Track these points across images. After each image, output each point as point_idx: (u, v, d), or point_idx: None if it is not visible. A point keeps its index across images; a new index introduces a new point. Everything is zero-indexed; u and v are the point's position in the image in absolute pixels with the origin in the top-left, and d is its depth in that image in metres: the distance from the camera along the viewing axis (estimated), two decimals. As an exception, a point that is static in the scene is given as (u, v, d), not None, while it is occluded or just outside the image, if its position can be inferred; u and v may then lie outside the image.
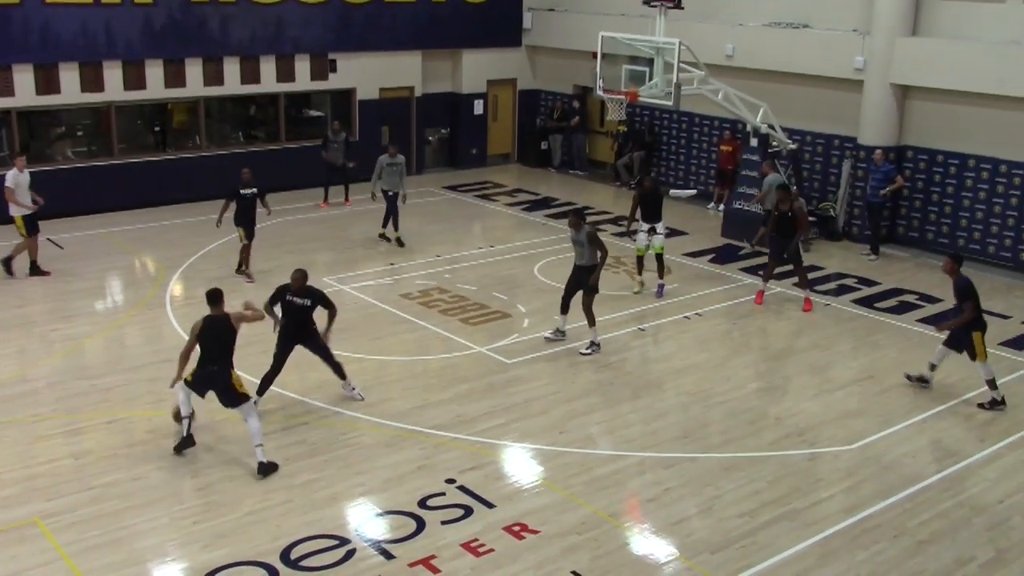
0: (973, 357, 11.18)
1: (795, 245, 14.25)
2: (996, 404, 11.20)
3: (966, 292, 11.00)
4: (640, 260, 14.90)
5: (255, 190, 14.99)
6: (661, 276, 14.75)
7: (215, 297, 9.69)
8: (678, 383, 11.93)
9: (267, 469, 9.46)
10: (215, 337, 9.50)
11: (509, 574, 8.00)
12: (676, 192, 16.47)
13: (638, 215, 14.70)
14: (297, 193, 20.22)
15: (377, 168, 16.90)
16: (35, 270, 15.16)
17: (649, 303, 14.59)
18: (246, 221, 14.98)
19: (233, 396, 9.54)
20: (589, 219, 13.11)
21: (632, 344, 13.09)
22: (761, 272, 15.11)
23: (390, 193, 16.92)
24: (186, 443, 9.68)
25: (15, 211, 14.87)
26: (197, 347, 9.54)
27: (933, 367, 11.57)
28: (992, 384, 11.18)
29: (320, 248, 16.94)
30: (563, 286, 12.75)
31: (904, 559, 8.36)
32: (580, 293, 12.50)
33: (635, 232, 14.86)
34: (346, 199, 20.01)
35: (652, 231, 14.53)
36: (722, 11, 20.30)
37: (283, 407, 10.92)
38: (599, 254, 12.31)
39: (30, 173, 15.05)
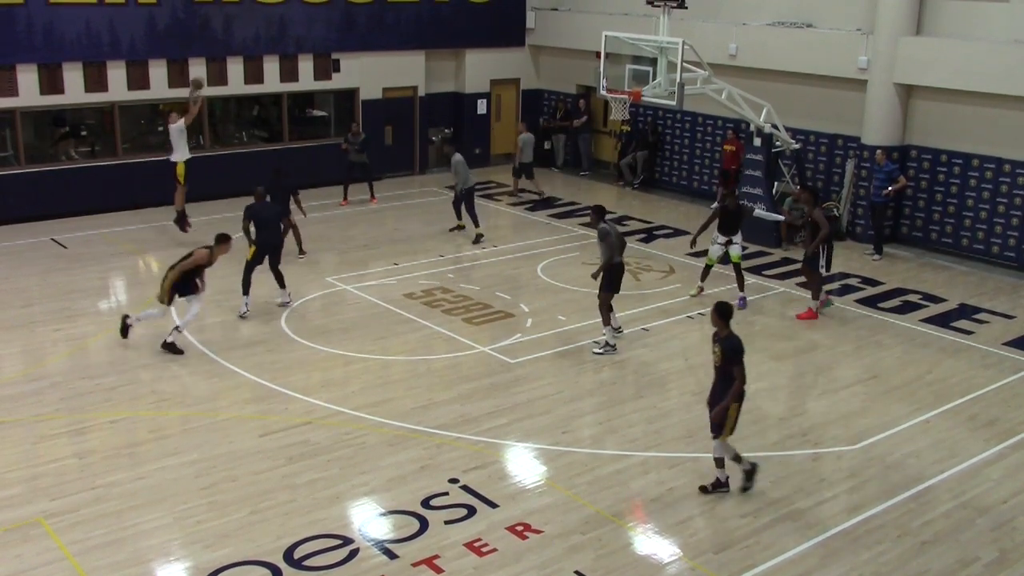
0: (718, 432, 9.11)
1: (812, 249, 14.15)
2: (720, 486, 9.28)
3: (736, 354, 9.02)
4: (707, 269, 14.82)
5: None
6: (741, 288, 14.59)
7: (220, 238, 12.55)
8: (682, 383, 11.93)
9: (170, 348, 12.27)
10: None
11: (512, 574, 8.01)
12: (761, 213, 17.02)
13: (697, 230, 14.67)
14: (301, 193, 20.19)
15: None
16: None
17: (652, 303, 14.58)
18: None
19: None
20: (591, 218, 13.03)
21: (636, 344, 13.08)
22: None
23: (463, 189, 17.62)
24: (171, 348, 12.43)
25: (176, 156, 16.60)
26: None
27: (720, 461, 9.29)
28: (720, 463, 9.28)
29: (324, 248, 16.94)
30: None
31: (907, 559, 8.35)
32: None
33: (695, 243, 14.75)
34: (371, 196, 20.37)
35: (729, 243, 14.45)
36: (725, 10, 20.28)
37: (286, 407, 10.94)
38: (603, 253, 12.46)
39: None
